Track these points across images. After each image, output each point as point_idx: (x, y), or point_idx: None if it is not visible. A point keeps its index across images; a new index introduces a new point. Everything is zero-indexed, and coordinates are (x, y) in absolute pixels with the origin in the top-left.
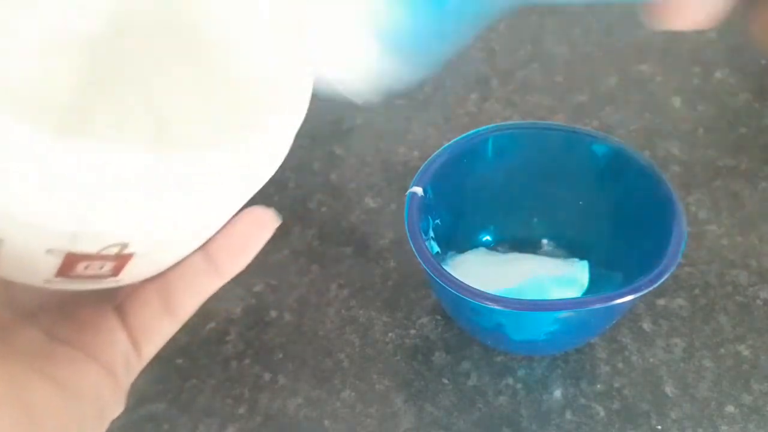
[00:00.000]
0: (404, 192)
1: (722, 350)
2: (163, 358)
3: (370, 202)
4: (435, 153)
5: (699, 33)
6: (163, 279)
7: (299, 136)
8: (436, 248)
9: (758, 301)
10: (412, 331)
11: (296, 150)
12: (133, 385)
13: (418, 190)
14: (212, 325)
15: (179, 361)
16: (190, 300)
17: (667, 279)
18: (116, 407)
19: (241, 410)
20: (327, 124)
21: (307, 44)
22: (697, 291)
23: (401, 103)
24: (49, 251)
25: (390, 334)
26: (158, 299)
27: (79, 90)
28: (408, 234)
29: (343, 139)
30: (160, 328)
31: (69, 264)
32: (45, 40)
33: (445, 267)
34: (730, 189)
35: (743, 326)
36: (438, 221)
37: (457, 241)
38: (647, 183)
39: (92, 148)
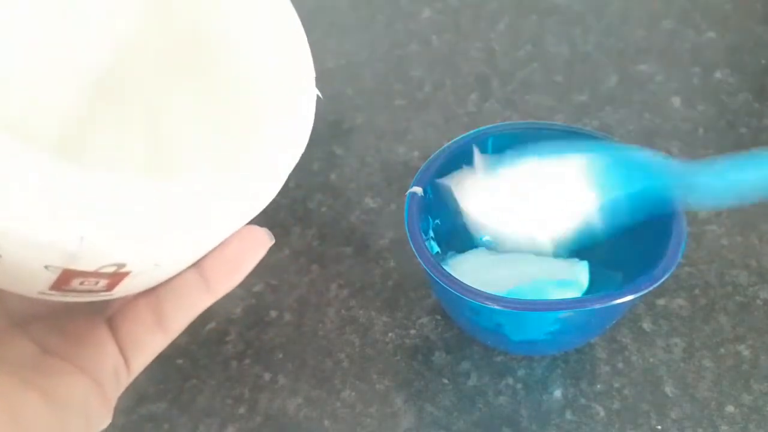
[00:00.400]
0: (404, 192)
1: (722, 350)
2: (163, 358)
3: (370, 202)
4: (435, 153)
5: (699, 33)
6: (155, 294)
7: None
8: (436, 248)
9: (758, 301)
10: (412, 331)
11: None
12: (133, 385)
13: (418, 190)
14: (212, 325)
15: (179, 361)
16: (181, 316)
17: (667, 279)
18: (104, 419)
19: (241, 410)
20: (327, 124)
21: (311, 73)
22: (697, 291)
23: (401, 103)
24: (47, 267)
25: (390, 334)
26: (150, 314)
27: (80, 108)
28: (408, 234)
29: (343, 139)
30: (150, 343)
31: (65, 279)
32: (48, 60)
33: (445, 267)
34: None
35: (743, 326)
36: (438, 221)
37: (457, 241)
38: None
39: (95, 172)
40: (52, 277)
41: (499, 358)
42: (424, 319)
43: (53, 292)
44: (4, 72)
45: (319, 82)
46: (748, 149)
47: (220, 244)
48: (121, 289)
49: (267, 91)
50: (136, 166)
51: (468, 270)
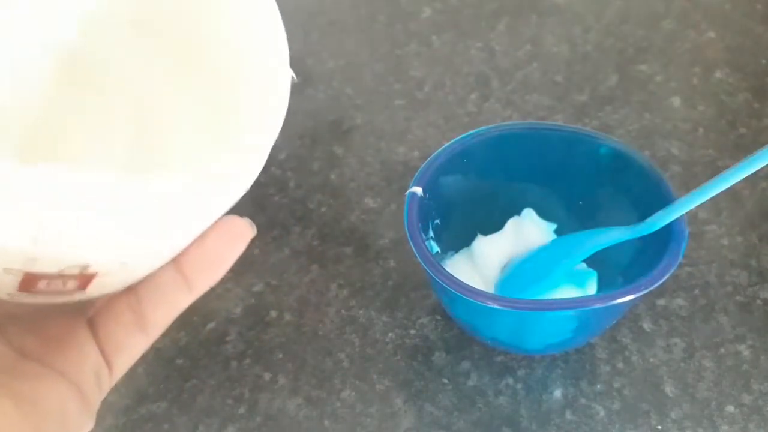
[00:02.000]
0: (404, 192)
1: (722, 350)
2: (163, 358)
3: (370, 202)
4: (435, 153)
5: (699, 33)
6: (134, 293)
7: (299, 136)
8: (436, 248)
9: (758, 301)
10: (412, 331)
11: (296, 150)
12: (133, 385)
13: (418, 190)
14: (212, 325)
15: (179, 361)
16: (162, 316)
17: (667, 279)
18: (84, 425)
19: (241, 410)
20: (327, 124)
21: (285, 54)
22: (697, 291)
23: (401, 103)
24: (6, 271)
25: (390, 334)
26: (130, 315)
27: (54, 100)
28: (408, 234)
29: (343, 139)
30: (132, 345)
31: (29, 282)
32: (18, 51)
33: (445, 267)
34: (730, 189)
35: (743, 326)
36: (438, 221)
37: (457, 241)
38: (647, 183)
39: (52, 172)
40: (15, 279)
41: (499, 358)
42: (424, 319)
43: (22, 293)
44: None
45: (319, 82)
46: (749, 149)
47: (198, 238)
48: (96, 289)
49: (242, 78)
50: (114, 152)
51: (468, 270)
